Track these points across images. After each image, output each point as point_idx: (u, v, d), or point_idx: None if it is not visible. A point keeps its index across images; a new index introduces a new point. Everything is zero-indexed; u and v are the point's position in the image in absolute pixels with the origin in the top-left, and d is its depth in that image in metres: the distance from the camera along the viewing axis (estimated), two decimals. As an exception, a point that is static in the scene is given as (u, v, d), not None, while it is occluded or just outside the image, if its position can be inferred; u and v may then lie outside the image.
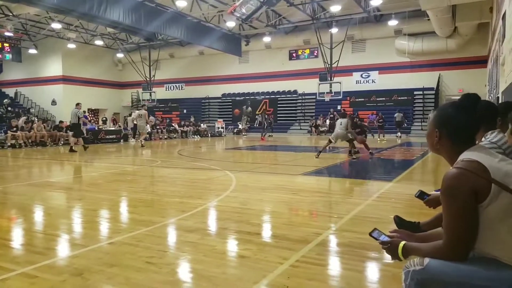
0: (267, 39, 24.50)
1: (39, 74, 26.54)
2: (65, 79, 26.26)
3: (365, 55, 24.18)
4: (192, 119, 25.38)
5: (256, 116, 25.03)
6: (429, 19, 18.01)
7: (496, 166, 1.38)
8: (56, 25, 20.77)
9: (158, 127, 21.78)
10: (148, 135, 17.24)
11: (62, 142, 16.76)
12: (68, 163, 10.35)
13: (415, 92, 23.14)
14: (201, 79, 29.07)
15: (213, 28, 21.34)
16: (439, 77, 22.45)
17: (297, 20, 21.25)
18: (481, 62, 20.24)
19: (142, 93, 27.25)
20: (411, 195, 3.05)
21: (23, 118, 17.62)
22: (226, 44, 22.77)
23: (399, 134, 20.21)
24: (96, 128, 19.61)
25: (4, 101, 23.23)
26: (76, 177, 7.99)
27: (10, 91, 27.11)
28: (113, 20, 15.65)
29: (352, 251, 3.00)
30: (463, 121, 1.49)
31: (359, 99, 24.20)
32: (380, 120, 19.36)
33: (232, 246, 3.26)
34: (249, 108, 25.09)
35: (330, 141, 9.89)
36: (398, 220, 2.81)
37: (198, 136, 23.58)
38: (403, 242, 1.52)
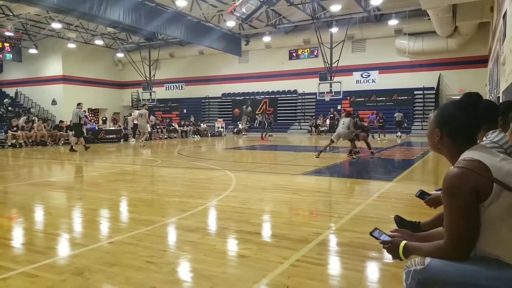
0: (267, 38, 24.49)
1: (39, 74, 26.54)
2: (65, 79, 26.25)
3: (365, 54, 24.17)
4: (192, 119, 25.37)
5: (256, 116, 25.02)
6: (429, 19, 18.00)
7: (498, 165, 1.38)
8: (56, 25, 20.77)
9: (158, 126, 21.78)
10: (148, 135, 17.23)
11: (62, 142, 16.76)
12: (68, 162, 10.35)
13: (415, 92, 23.13)
14: (201, 79, 29.06)
15: (213, 27, 21.33)
16: (439, 77, 22.44)
17: (297, 19, 21.24)
18: (481, 61, 20.23)
19: (142, 92, 27.25)
20: (412, 194, 3.05)
21: (23, 118, 17.63)
22: (226, 43, 22.77)
23: (399, 134, 20.21)
24: (96, 128, 19.61)
25: (5, 100, 23.23)
26: (76, 176, 8.00)
27: (11, 91, 27.11)
28: (113, 19, 15.65)
29: (353, 251, 3.00)
30: (464, 120, 1.48)
31: (359, 99, 24.18)
32: (380, 120, 19.37)
33: (232, 245, 3.26)
34: (249, 108, 25.08)
35: (332, 141, 9.86)
36: (399, 220, 2.81)
37: (198, 136, 23.58)
38: (404, 242, 1.52)
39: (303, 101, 26.32)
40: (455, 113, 1.50)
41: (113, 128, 20.99)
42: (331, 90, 21.79)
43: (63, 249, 3.23)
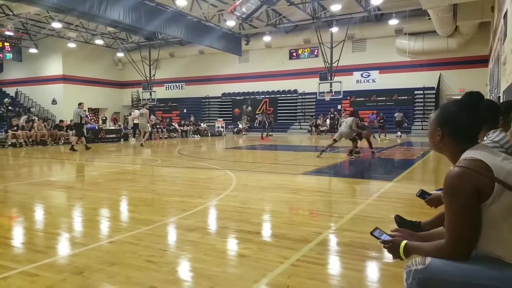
0: (267, 38, 24.48)
1: (40, 73, 26.54)
2: (65, 79, 26.25)
3: (365, 54, 24.16)
4: (192, 119, 25.37)
5: (256, 116, 25.03)
6: (430, 18, 17.99)
7: (499, 165, 1.37)
8: (56, 25, 20.76)
9: (158, 126, 21.78)
10: (148, 135, 17.23)
11: (62, 141, 16.76)
12: (68, 162, 10.35)
13: (416, 92, 23.12)
14: (201, 79, 29.06)
15: (213, 27, 21.32)
16: (439, 77, 22.43)
17: (297, 19, 21.22)
18: (482, 61, 20.22)
19: (142, 92, 27.25)
20: (412, 194, 3.05)
21: (24, 117, 17.61)
22: (226, 43, 22.77)
23: (399, 133, 20.22)
24: (97, 127, 19.61)
25: (5, 100, 23.22)
26: (76, 176, 8.00)
27: (11, 90, 27.11)
28: (113, 19, 15.65)
29: (353, 251, 3.00)
30: (465, 120, 1.48)
31: (360, 99, 24.17)
32: (381, 121, 19.39)
33: (232, 245, 3.26)
34: (249, 108, 25.07)
35: (335, 140, 9.88)
36: (399, 220, 2.81)
37: (198, 135, 23.58)
38: (404, 241, 1.51)
39: (303, 101, 26.31)
40: (456, 113, 1.50)
41: (113, 127, 20.99)
42: (331, 90, 21.78)
43: (63, 248, 3.23)
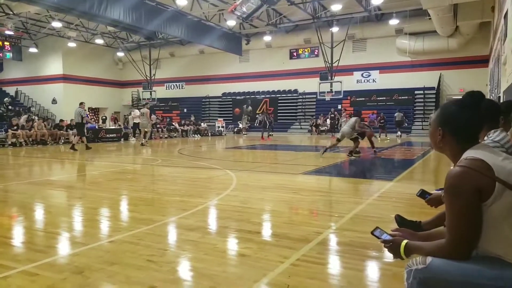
0: (267, 38, 24.47)
1: (40, 72, 26.54)
2: (65, 78, 26.25)
3: (365, 54, 24.16)
4: (192, 118, 25.37)
5: (257, 116, 25.03)
6: (430, 18, 17.99)
7: (500, 164, 1.37)
8: (56, 24, 20.75)
9: (158, 126, 21.78)
10: (149, 134, 17.23)
11: (62, 141, 16.77)
12: (68, 161, 10.35)
13: (416, 92, 23.12)
14: (201, 78, 29.06)
15: (213, 27, 21.31)
16: (440, 77, 22.43)
17: (297, 19, 21.21)
18: (482, 61, 20.22)
19: (143, 92, 27.25)
20: (412, 194, 3.04)
21: (24, 117, 17.61)
22: (226, 43, 22.76)
23: (399, 133, 20.23)
24: (97, 127, 19.62)
25: (5, 99, 23.20)
26: (76, 175, 8.00)
27: (11, 90, 27.10)
28: (113, 18, 15.65)
29: (353, 250, 2.99)
30: (466, 119, 1.47)
31: (360, 99, 24.18)
32: (381, 121, 19.40)
33: (232, 244, 3.26)
34: (250, 107, 25.08)
35: (338, 140, 9.97)
36: (399, 219, 2.81)
37: (199, 135, 23.58)
38: (405, 241, 1.51)
39: (303, 100, 26.31)
40: (457, 112, 1.49)
41: (114, 127, 20.99)
42: (331, 89, 21.78)
43: (63, 248, 3.22)
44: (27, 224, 3.95)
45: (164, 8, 17.84)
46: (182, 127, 23.28)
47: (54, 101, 26.40)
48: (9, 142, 14.99)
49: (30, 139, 15.70)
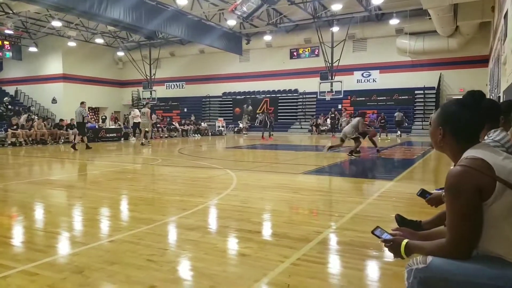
0: (268, 37, 24.46)
1: (40, 72, 26.53)
2: (65, 77, 26.24)
3: (366, 54, 24.15)
4: (192, 118, 25.37)
5: (257, 115, 25.02)
6: (430, 18, 17.98)
7: (501, 164, 1.37)
8: (56, 23, 20.75)
9: (158, 125, 21.78)
10: (149, 134, 17.23)
11: (62, 140, 16.76)
12: (68, 161, 10.35)
13: (416, 92, 23.12)
14: (201, 78, 29.05)
15: (213, 26, 21.30)
16: (440, 77, 22.42)
17: (298, 18, 21.21)
18: (482, 61, 20.22)
19: (143, 91, 27.25)
20: (412, 194, 3.05)
21: (24, 116, 17.61)
22: (226, 42, 22.74)
23: (398, 133, 20.23)
24: (97, 126, 19.62)
25: (5, 99, 23.20)
26: (76, 175, 7.99)
27: (11, 89, 27.09)
28: (113, 18, 15.63)
29: (353, 250, 2.99)
30: (467, 118, 1.47)
31: (360, 98, 24.17)
32: (382, 121, 19.42)
33: (233, 244, 3.26)
34: (250, 107, 25.07)
35: (342, 140, 10.13)
36: (400, 219, 2.81)
37: (199, 134, 23.58)
38: (405, 240, 1.51)
39: (303, 100, 26.30)
40: (458, 112, 1.49)
41: (114, 126, 20.99)
42: (331, 89, 21.78)
43: (63, 247, 3.22)
44: (27, 224, 3.95)
45: (164, 8, 17.83)
46: (182, 127, 23.28)
47: (54, 101, 26.39)
48: (9, 142, 14.98)
49: (30, 139, 15.70)
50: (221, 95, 28.86)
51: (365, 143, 10.96)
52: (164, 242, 3.28)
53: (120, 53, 28.81)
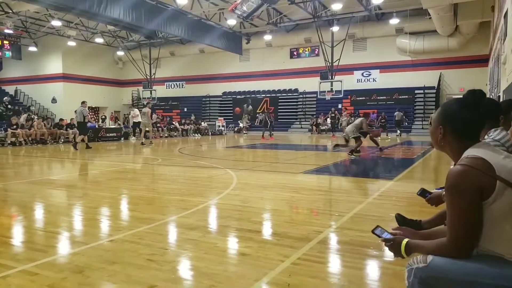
0: (268, 37, 24.46)
1: (39, 71, 26.52)
2: (65, 77, 26.23)
3: (366, 53, 24.15)
4: (192, 118, 25.37)
5: (257, 115, 25.02)
6: (430, 18, 17.99)
7: (501, 163, 1.37)
8: (56, 23, 20.74)
9: (158, 125, 21.78)
10: (149, 133, 17.23)
11: (62, 140, 16.76)
12: (68, 161, 10.35)
13: (416, 91, 23.12)
14: (201, 77, 29.04)
15: (213, 26, 21.30)
16: (440, 76, 22.42)
17: (298, 18, 21.21)
18: (482, 61, 20.22)
19: (143, 91, 27.23)
20: (412, 193, 3.04)
21: (23, 116, 17.61)
22: (226, 42, 22.74)
23: (398, 132, 20.24)
24: (97, 126, 19.61)
25: (4, 98, 23.20)
26: (76, 174, 7.99)
27: (10, 89, 27.08)
28: (113, 17, 15.63)
29: (354, 249, 2.99)
30: (467, 118, 1.47)
31: (360, 98, 24.17)
32: (382, 120, 19.43)
33: (233, 243, 3.26)
34: (250, 107, 25.05)
35: (346, 140, 10.27)
36: (400, 218, 2.81)
37: (199, 134, 23.58)
38: (406, 240, 1.51)
39: (304, 100, 26.30)
40: (458, 111, 1.49)
41: (114, 126, 20.98)
42: (332, 89, 21.76)
43: (63, 247, 3.22)
44: (27, 224, 3.95)
45: (164, 7, 17.82)
46: (182, 126, 23.28)
47: (53, 100, 26.38)
48: (9, 141, 14.98)
49: (30, 138, 15.70)
50: (221, 94, 28.85)
51: (365, 142, 10.96)
52: (164, 242, 3.28)
53: (120, 53, 28.80)
